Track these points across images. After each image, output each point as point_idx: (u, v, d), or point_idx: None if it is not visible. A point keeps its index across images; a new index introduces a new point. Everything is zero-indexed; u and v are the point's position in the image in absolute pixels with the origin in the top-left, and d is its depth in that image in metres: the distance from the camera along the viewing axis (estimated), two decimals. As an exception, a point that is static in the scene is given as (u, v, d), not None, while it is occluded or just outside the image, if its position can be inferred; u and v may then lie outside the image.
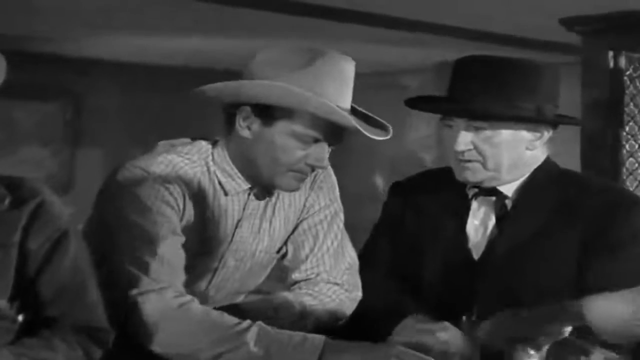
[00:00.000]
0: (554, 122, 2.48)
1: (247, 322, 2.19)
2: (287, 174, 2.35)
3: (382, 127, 2.40)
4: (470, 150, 2.44)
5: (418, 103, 2.58)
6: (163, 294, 2.19)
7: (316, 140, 2.31)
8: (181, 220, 2.33)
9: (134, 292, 2.18)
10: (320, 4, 4.86)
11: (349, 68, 2.33)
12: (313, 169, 2.36)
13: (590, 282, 2.33)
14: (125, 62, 7.17)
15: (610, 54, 3.70)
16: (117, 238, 2.25)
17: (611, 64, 3.71)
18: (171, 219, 2.30)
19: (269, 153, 2.32)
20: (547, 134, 2.48)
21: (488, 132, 2.42)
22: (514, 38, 5.40)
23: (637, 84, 3.76)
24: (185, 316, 2.19)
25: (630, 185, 3.76)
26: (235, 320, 2.20)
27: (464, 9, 4.91)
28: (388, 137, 2.37)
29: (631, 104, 3.77)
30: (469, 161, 2.45)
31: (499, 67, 2.44)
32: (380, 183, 8.34)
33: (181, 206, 2.33)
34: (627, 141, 3.76)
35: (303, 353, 2.15)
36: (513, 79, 2.42)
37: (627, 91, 3.74)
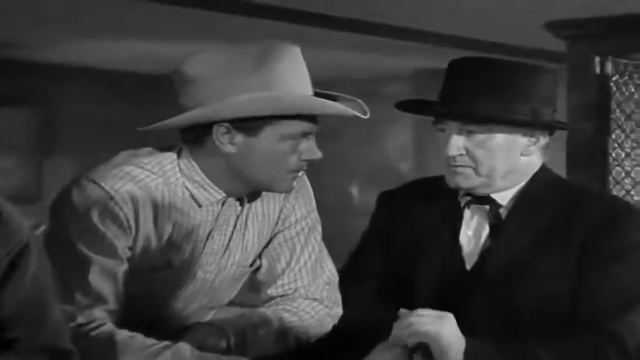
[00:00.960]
0: (551, 127, 2.40)
1: (161, 345, 2.13)
2: (285, 177, 2.27)
3: (352, 101, 2.31)
4: (462, 155, 2.36)
5: (408, 106, 2.50)
6: (73, 319, 2.14)
7: (305, 134, 2.23)
8: (136, 237, 2.24)
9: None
10: (293, 7, 4.79)
11: (298, 53, 2.24)
12: (307, 162, 2.28)
13: (589, 294, 2.28)
14: (96, 69, 7.08)
15: (597, 59, 3.62)
16: (55, 257, 2.12)
17: (597, 70, 3.63)
18: (113, 240, 2.21)
19: (263, 162, 2.24)
20: (543, 140, 2.40)
21: (481, 136, 2.34)
22: (497, 44, 5.35)
23: (624, 90, 3.68)
24: (90, 343, 2.13)
25: (617, 194, 3.66)
26: (147, 342, 2.14)
27: (445, 14, 4.86)
28: (368, 115, 2.28)
29: (617, 110, 3.69)
30: (461, 166, 2.37)
31: (493, 68, 2.37)
32: (357, 193, 8.29)
33: (132, 224, 2.23)
34: (613, 149, 3.68)
35: None
36: (508, 81, 2.35)
37: (613, 97, 3.66)
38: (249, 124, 2.20)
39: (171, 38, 5.84)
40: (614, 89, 3.67)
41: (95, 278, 2.18)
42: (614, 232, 2.31)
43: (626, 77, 3.70)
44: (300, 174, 2.30)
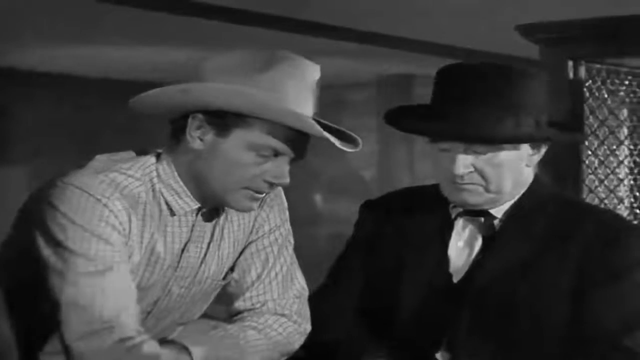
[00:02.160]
0: (558, 138, 2.41)
1: None
2: (240, 191, 2.13)
3: (349, 140, 2.20)
4: (471, 172, 2.27)
5: (403, 121, 2.37)
6: (106, 336, 1.99)
7: (276, 154, 2.10)
8: (126, 245, 2.12)
9: (72, 335, 1.97)
10: (259, 11, 4.73)
11: (313, 73, 2.12)
12: (272, 186, 2.14)
13: (594, 313, 2.21)
14: (55, 74, 6.98)
15: (570, 63, 3.53)
16: (48, 270, 2.03)
17: (571, 74, 3.54)
18: (116, 245, 2.07)
19: (221, 167, 2.10)
20: (543, 148, 2.35)
21: (489, 153, 2.25)
22: (467, 50, 5.30)
23: (597, 95, 3.59)
24: None
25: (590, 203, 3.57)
26: None
27: (414, 20, 4.80)
28: (357, 149, 2.18)
29: (591, 117, 3.60)
30: (470, 184, 2.28)
31: (494, 77, 2.26)
32: (321, 203, 8.22)
33: (127, 230, 2.10)
34: (587, 157, 3.59)
35: None
36: (513, 93, 2.25)
37: (586, 103, 3.57)
38: (220, 121, 2.09)
39: (138, 43, 5.77)
40: (587, 94, 3.58)
41: (112, 286, 2.04)
42: (613, 249, 2.25)
43: (599, 83, 3.61)
44: (261, 196, 2.17)
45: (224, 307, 2.40)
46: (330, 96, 7.95)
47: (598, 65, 3.60)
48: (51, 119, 7.08)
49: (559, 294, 2.24)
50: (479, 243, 2.34)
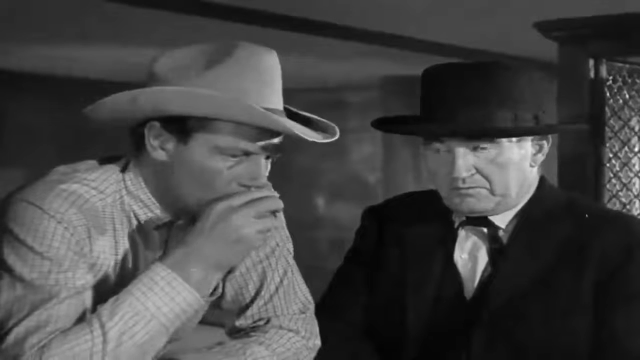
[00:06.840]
0: (562, 130, 2.22)
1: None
2: None
3: (326, 130, 2.04)
4: (472, 175, 2.11)
5: (394, 126, 2.26)
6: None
7: (247, 154, 1.92)
8: (89, 263, 1.96)
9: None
10: (257, 8, 4.61)
11: (271, 60, 1.94)
12: (249, 189, 1.96)
13: (613, 334, 2.06)
14: (51, 75, 6.90)
15: (591, 62, 3.36)
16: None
17: (592, 74, 3.37)
18: (70, 267, 1.91)
19: (191, 177, 1.93)
20: (547, 146, 2.19)
21: (492, 152, 2.09)
22: (478, 51, 5.20)
23: (618, 96, 3.43)
24: None
25: (612, 208, 3.40)
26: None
27: (418, 20, 4.68)
28: (333, 139, 2.01)
29: (612, 119, 3.43)
30: (473, 188, 2.12)
31: (487, 75, 2.11)
32: (323, 206, 8.10)
33: (86, 248, 1.93)
34: (608, 160, 3.42)
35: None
36: (508, 85, 2.10)
37: (607, 103, 3.41)
38: (179, 127, 1.91)
39: (132, 43, 5.66)
40: (608, 94, 3.41)
41: (61, 310, 1.89)
42: (634, 268, 2.08)
43: (620, 82, 3.45)
44: None
45: (221, 311, 2.24)
46: (333, 98, 7.89)
47: (620, 64, 3.44)
48: (47, 121, 7.00)
49: (577, 311, 2.09)
50: (482, 255, 2.19)
